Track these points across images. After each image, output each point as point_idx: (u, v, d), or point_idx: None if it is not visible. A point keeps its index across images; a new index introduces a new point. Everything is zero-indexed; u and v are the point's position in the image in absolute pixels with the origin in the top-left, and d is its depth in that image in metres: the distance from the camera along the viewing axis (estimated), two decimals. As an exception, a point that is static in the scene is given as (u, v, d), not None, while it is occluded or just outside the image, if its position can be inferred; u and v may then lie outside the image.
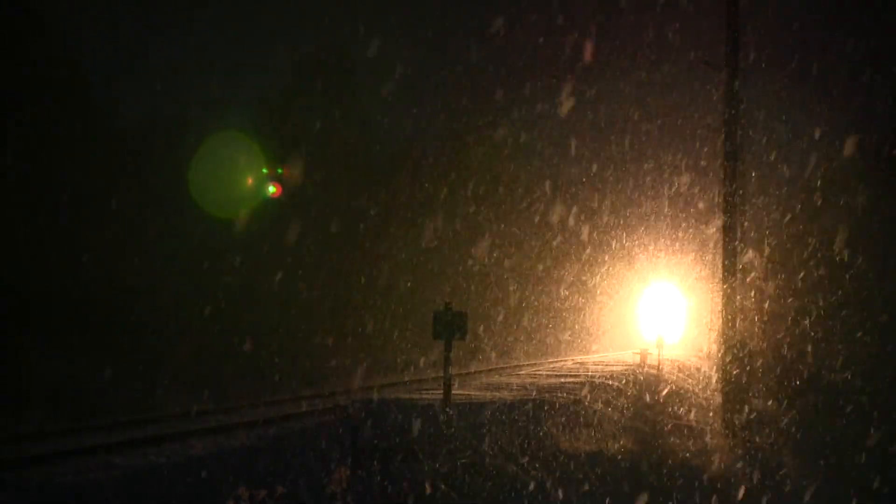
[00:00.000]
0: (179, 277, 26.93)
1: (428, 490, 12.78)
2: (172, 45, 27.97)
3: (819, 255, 23.78)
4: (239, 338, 27.26)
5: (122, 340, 24.29)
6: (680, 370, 31.91)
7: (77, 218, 25.20)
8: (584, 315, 43.95)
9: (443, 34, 34.40)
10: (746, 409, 18.63)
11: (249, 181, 29.33)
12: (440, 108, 36.48)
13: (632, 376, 25.71)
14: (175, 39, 27.99)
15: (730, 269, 18.83)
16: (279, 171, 29.27)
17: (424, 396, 18.05)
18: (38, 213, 24.51)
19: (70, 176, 25.40)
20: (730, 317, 18.81)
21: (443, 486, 12.94)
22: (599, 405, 19.84)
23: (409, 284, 34.97)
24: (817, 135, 23.93)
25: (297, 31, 32.05)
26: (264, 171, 29.20)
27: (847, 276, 23.20)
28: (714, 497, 13.40)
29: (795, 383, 22.36)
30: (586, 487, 13.52)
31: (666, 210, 38.68)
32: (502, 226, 41.27)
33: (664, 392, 24.21)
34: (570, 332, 43.12)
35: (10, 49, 24.51)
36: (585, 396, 20.06)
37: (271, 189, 28.47)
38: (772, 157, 25.23)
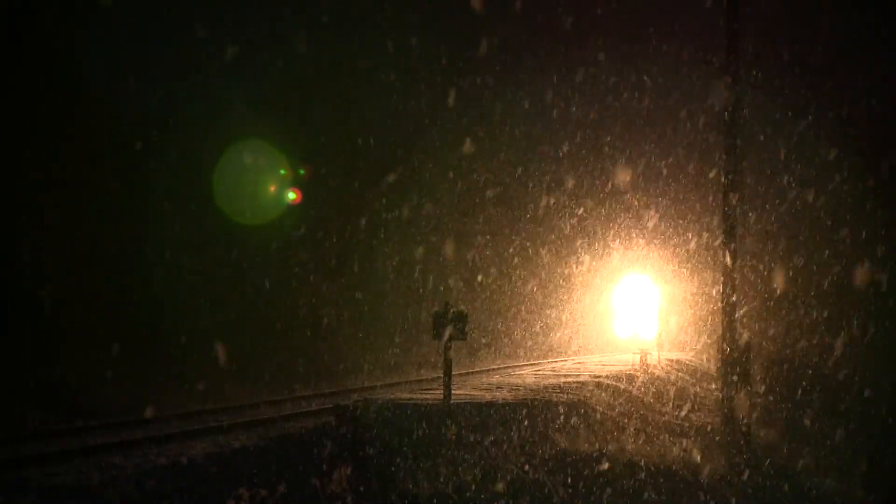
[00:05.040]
0: (180, 278, 26.91)
1: (428, 490, 12.77)
2: (175, 45, 27.85)
3: (814, 250, 23.85)
4: (238, 338, 27.23)
5: (122, 340, 24.26)
6: (680, 369, 31.90)
7: (78, 218, 25.18)
8: (583, 316, 43.93)
9: (440, 33, 34.34)
10: (747, 406, 18.61)
11: (272, 188, 29.12)
12: (438, 108, 36.45)
13: (631, 376, 25.70)
14: (178, 39, 27.85)
15: (729, 266, 18.80)
16: (301, 171, 28.98)
17: (425, 396, 18.03)
18: (39, 213, 24.49)
19: (70, 175, 25.38)
20: (728, 312, 18.78)
21: (442, 487, 12.93)
22: (600, 405, 19.82)
23: (409, 285, 34.96)
24: (814, 130, 24.02)
25: (297, 29, 31.95)
26: (282, 171, 28.99)
27: (842, 271, 23.28)
28: (714, 497, 13.39)
29: (796, 379, 22.38)
30: (587, 488, 13.51)
31: (662, 208, 38.68)
32: (502, 227, 41.27)
33: (665, 391, 24.21)
34: (568, 333, 43.09)
35: (9, 48, 24.49)
36: (586, 396, 20.05)
37: (291, 195, 28.21)
38: (770, 152, 25.30)
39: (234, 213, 28.75)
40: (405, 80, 34.14)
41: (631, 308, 40.06)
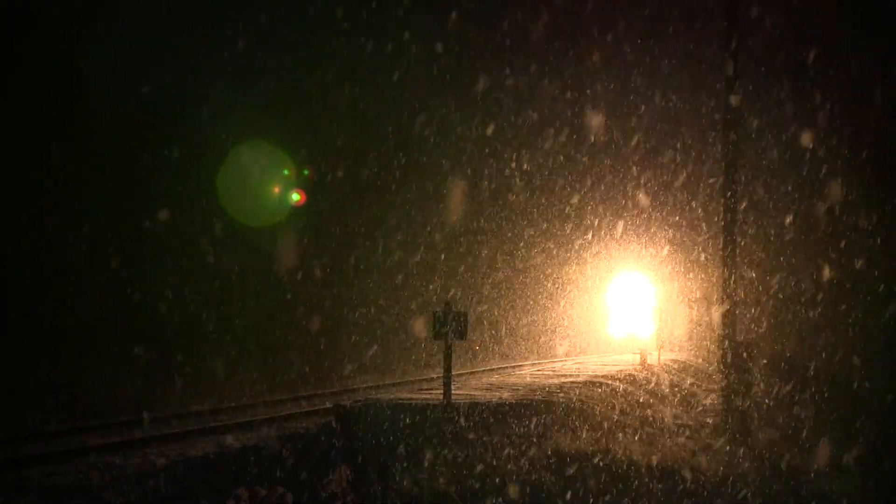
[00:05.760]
0: (181, 278, 26.90)
1: (428, 490, 12.78)
2: (176, 45, 27.82)
3: (808, 246, 23.90)
4: (238, 337, 27.22)
5: (122, 340, 24.26)
6: (680, 369, 31.91)
7: (78, 218, 25.18)
8: (583, 317, 43.93)
9: (439, 34, 34.36)
10: (747, 405, 18.63)
11: (276, 190, 29.04)
12: (440, 109, 36.49)
13: (632, 376, 25.71)
14: (179, 39, 27.83)
15: (730, 266, 18.80)
16: (305, 172, 28.87)
17: (425, 396, 18.03)
18: (39, 213, 24.48)
19: (70, 175, 25.37)
20: (728, 311, 18.77)
21: (442, 487, 12.94)
22: (601, 405, 19.83)
23: (410, 285, 34.97)
24: (812, 128, 24.05)
25: (300, 29, 31.96)
26: (286, 172, 28.91)
27: (839, 269, 23.33)
28: (714, 497, 13.38)
29: (796, 379, 22.39)
30: (587, 487, 13.51)
31: (663, 206, 38.69)
32: (503, 229, 41.29)
33: (665, 391, 24.21)
34: (568, 334, 43.11)
35: (9, 48, 24.49)
36: (587, 396, 20.05)
37: (295, 197, 28.09)
38: (768, 150, 25.34)
39: (237, 214, 28.74)
40: (408, 80, 34.16)
41: (629, 308, 40.06)
